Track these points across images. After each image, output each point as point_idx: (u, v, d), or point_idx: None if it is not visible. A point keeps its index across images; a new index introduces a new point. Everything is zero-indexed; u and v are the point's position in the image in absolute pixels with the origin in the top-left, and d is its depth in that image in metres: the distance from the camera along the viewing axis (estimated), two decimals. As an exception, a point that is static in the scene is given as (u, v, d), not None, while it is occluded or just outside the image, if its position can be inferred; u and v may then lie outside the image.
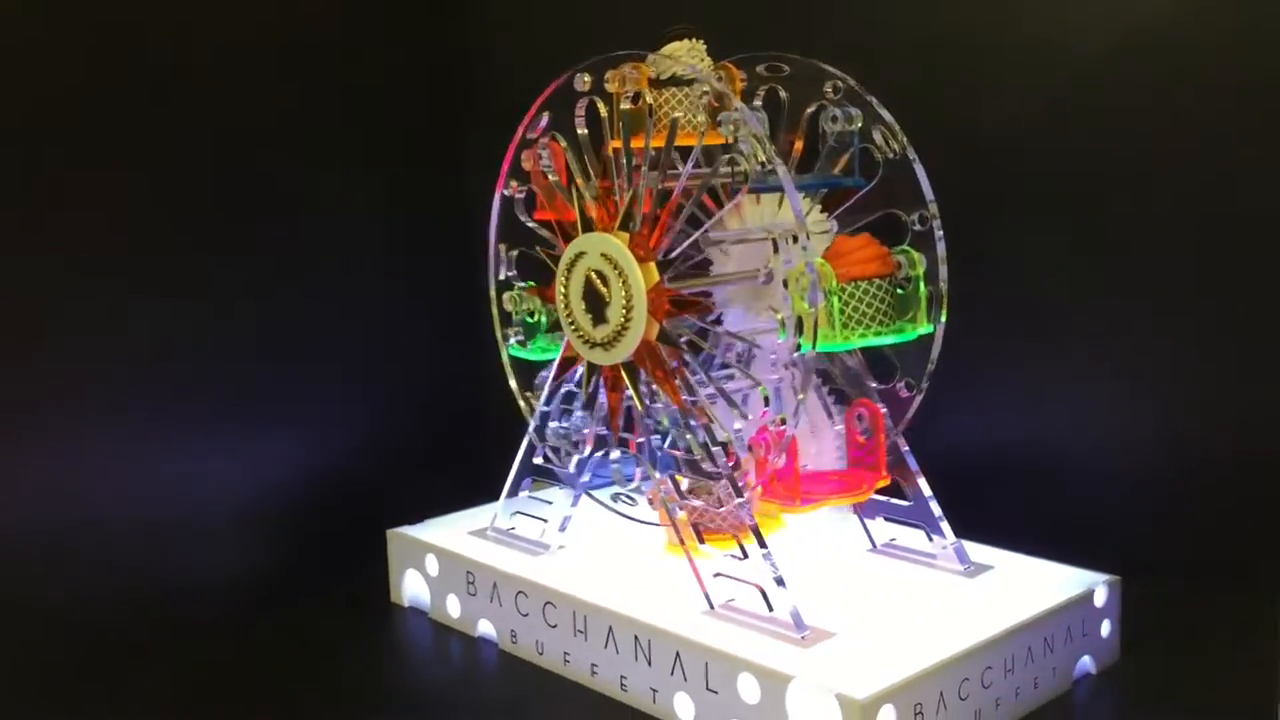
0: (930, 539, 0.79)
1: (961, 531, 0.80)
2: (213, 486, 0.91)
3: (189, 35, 0.89)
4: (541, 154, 0.79)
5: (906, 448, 0.79)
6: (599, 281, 0.74)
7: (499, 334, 0.85)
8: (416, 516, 0.92)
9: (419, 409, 1.06)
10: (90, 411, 0.83)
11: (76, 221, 0.82)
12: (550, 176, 0.79)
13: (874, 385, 0.79)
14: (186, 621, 0.85)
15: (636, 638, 0.72)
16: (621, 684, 0.74)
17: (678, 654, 0.70)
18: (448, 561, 0.85)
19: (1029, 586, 0.75)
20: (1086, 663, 0.74)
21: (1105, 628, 0.75)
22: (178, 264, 0.88)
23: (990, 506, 0.87)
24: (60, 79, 0.82)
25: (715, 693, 0.68)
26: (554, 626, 0.77)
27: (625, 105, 0.73)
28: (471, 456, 1.03)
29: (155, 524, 0.86)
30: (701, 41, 0.75)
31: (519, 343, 0.84)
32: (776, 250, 0.72)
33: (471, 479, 0.95)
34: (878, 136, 0.76)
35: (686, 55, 0.74)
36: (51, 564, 0.79)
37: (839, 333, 0.71)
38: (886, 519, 0.81)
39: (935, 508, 0.78)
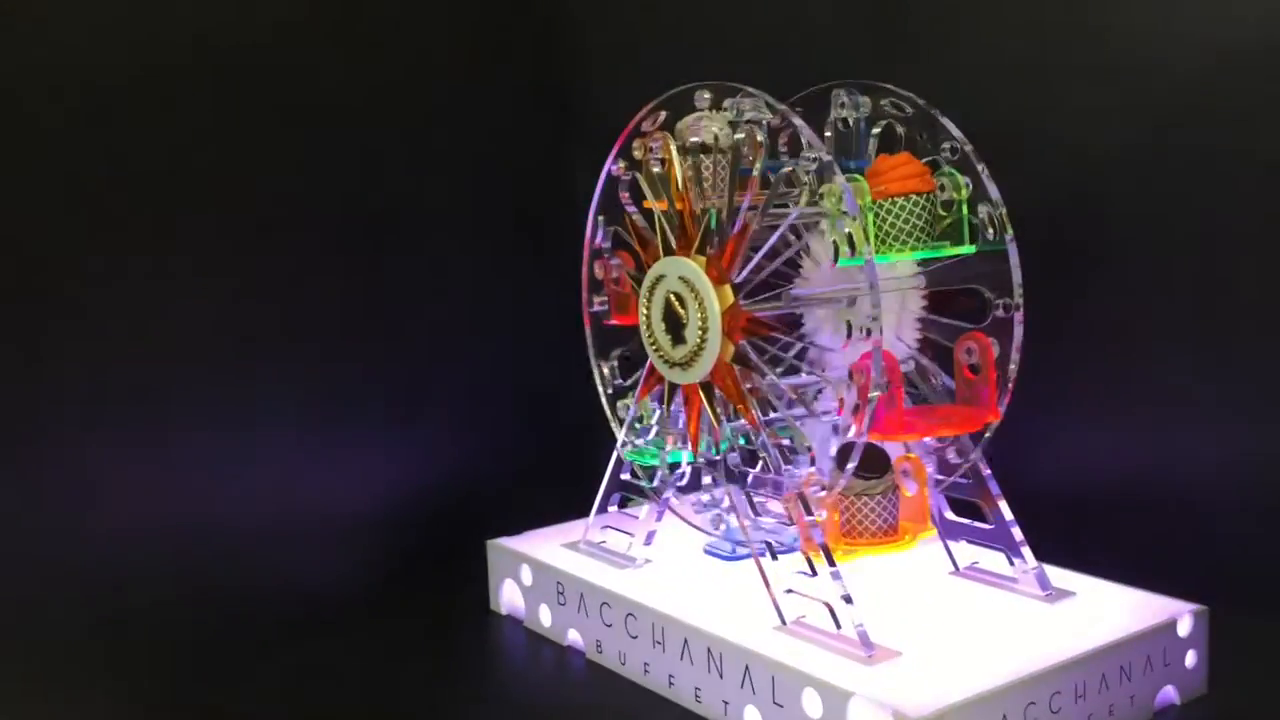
0: (1011, 563, 0.78)
1: (1053, 557, 0.79)
2: (334, 493, 0.97)
3: (319, 60, 0.96)
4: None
5: (988, 471, 0.79)
6: (677, 303, 0.76)
7: (619, 439, 0.87)
8: (523, 527, 0.96)
9: (534, 422, 1.10)
10: (211, 420, 0.89)
11: (205, 227, 0.88)
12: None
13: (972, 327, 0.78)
14: (301, 619, 0.90)
15: (709, 650, 0.74)
16: (696, 695, 0.75)
17: (746, 667, 0.71)
18: (540, 572, 0.89)
19: (1109, 613, 0.74)
20: (1170, 693, 0.73)
21: (1190, 658, 0.74)
22: (297, 279, 0.94)
23: (1081, 533, 0.86)
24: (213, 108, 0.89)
25: (781, 706, 0.69)
26: (635, 638, 0.80)
27: (655, 169, 0.77)
28: (583, 469, 1.06)
29: (271, 527, 0.92)
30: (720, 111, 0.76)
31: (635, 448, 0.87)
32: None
33: (582, 491, 0.98)
34: (888, 106, 0.77)
35: (707, 120, 0.76)
36: (169, 561, 0.85)
37: (876, 248, 0.71)
38: (969, 542, 0.81)
39: (1017, 532, 0.78)
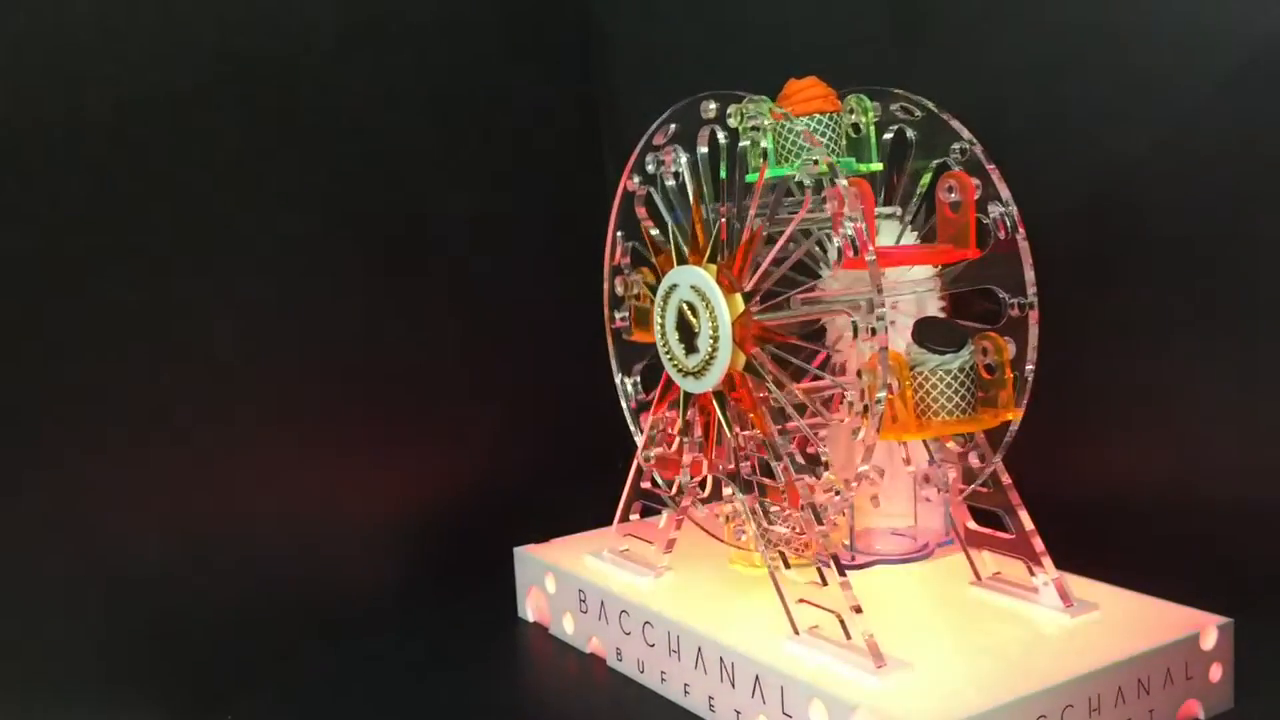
0: (1032, 573, 0.77)
1: (1078, 568, 0.78)
2: (364, 500, 0.98)
3: (361, 84, 0.97)
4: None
5: (1009, 480, 0.78)
6: (689, 312, 0.76)
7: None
8: (553, 535, 0.97)
9: (569, 428, 1.11)
10: (238, 427, 0.90)
11: (227, 233, 0.90)
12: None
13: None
14: (330, 624, 0.92)
15: (722, 659, 0.74)
16: (710, 704, 0.75)
17: (757, 677, 0.71)
18: (563, 580, 0.89)
19: (1129, 625, 0.72)
20: (1194, 707, 0.71)
21: (1215, 671, 0.72)
22: (328, 287, 0.95)
23: (1109, 543, 0.85)
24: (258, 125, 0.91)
25: (790, 717, 0.69)
26: (652, 646, 0.80)
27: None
28: (618, 476, 1.06)
29: (302, 534, 0.93)
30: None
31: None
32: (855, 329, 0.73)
33: (616, 498, 0.98)
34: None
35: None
36: (201, 570, 0.87)
37: (776, 163, 0.73)
38: (990, 551, 0.80)
39: (1037, 542, 0.77)
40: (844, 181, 0.68)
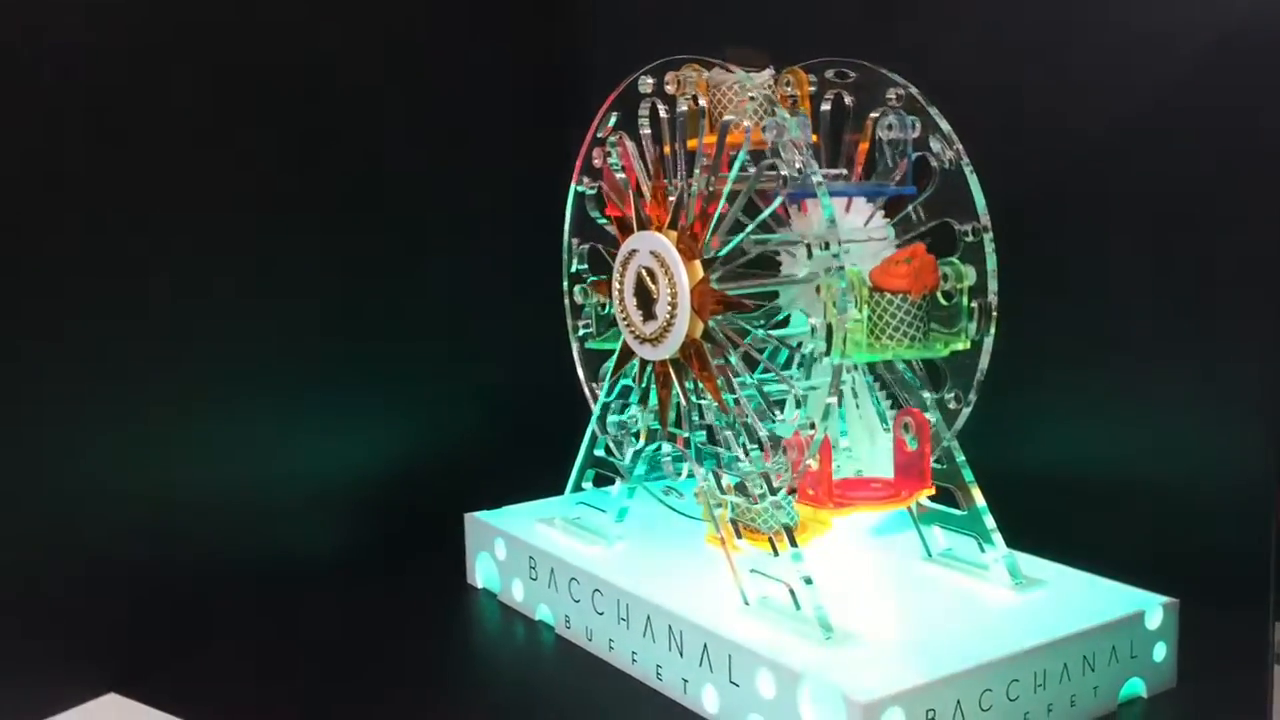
0: (982, 550, 0.77)
1: (1031, 546, 0.79)
2: (316, 464, 0.97)
3: (318, 44, 0.96)
4: (611, 152, 0.82)
5: (962, 457, 0.78)
6: (648, 278, 0.75)
7: (569, 325, 0.88)
8: (507, 502, 0.96)
9: (524, 395, 1.10)
10: (188, 389, 0.88)
11: (178, 196, 0.88)
12: (618, 174, 0.81)
13: (927, 394, 0.78)
14: (277, 588, 0.91)
15: (670, 628, 0.73)
16: (657, 673, 0.75)
17: (705, 646, 0.71)
18: (514, 547, 0.89)
19: (1075, 603, 0.73)
20: (1137, 685, 0.72)
21: (1159, 651, 0.72)
22: (279, 249, 0.94)
23: (1064, 523, 0.85)
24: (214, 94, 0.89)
25: (737, 686, 0.69)
26: (601, 614, 0.80)
27: (683, 106, 0.75)
28: (571, 444, 1.06)
29: (250, 497, 0.91)
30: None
31: (589, 333, 0.88)
32: (810, 256, 0.72)
33: (570, 466, 0.97)
34: (935, 145, 0.76)
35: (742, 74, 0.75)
36: (146, 530, 0.85)
37: (866, 343, 0.71)
38: (942, 528, 0.80)
39: (988, 519, 0.77)
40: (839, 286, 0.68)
